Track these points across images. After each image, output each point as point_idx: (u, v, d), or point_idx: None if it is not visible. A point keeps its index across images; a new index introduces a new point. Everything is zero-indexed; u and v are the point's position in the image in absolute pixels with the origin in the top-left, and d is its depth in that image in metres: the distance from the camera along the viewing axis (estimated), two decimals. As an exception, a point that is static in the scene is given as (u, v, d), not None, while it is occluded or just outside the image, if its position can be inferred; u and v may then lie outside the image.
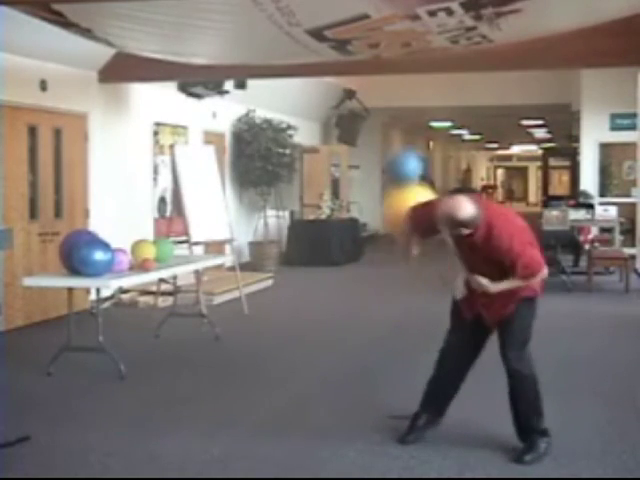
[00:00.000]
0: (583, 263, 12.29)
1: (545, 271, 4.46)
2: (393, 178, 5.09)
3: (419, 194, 4.88)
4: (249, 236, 13.97)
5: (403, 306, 9.96)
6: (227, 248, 11.69)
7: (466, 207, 4.26)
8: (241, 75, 10.79)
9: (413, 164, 5.04)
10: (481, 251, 4.40)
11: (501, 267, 4.38)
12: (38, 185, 8.78)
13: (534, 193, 43.50)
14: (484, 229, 4.33)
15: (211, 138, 12.50)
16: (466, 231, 4.32)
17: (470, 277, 4.51)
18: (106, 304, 9.23)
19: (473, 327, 4.69)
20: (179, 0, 5.92)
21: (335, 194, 16.05)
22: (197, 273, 8.57)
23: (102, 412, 5.49)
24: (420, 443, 4.69)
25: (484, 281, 4.42)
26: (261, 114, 13.91)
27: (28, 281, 6.77)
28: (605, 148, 14.91)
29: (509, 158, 47.47)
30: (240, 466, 4.43)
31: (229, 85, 12.07)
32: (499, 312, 4.59)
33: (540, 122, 24.85)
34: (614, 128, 14.69)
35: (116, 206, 10.07)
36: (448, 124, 24.44)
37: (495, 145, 37.64)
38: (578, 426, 5.08)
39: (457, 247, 4.51)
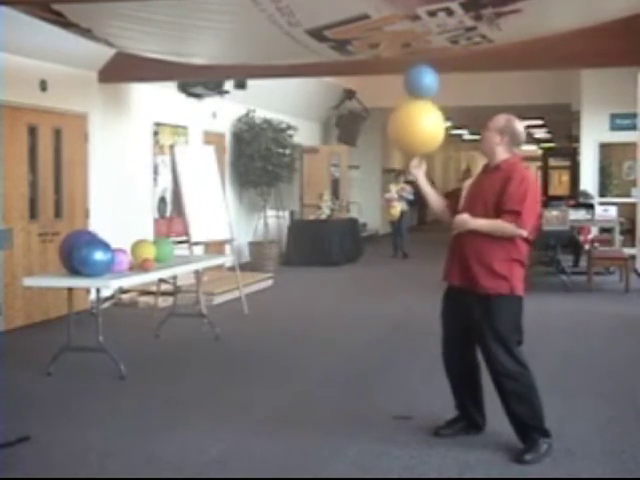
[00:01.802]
0: (583, 263, 12.31)
1: (522, 233, 4.45)
2: (409, 88, 4.92)
3: (428, 110, 4.80)
4: (249, 236, 13.97)
5: (403, 306, 9.96)
6: (227, 248, 11.69)
7: (521, 125, 4.64)
8: (241, 75, 10.80)
9: (431, 78, 4.91)
10: (488, 194, 4.53)
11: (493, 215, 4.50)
12: (38, 185, 8.79)
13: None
14: (513, 174, 4.51)
15: (211, 138, 12.50)
16: (502, 152, 4.56)
17: (455, 218, 4.57)
18: (106, 304, 9.24)
19: (456, 320, 4.71)
20: (179, 0, 5.92)
21: (335, 194, 16.05)
22: (197, 273, 8.57)
23: (102, 412, 5.48)
24: (420, 443, 4.70)
25: (465, 216, 4.51)
26: (261, 114, 13.92)
27: (28, 281, 6.77)
28: (605, 148, 14.92)
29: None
30: (240, 466, 4.43)
31: (229, 85, 12.08)
32: (461, 271, 4.58)
33: (540, 122, 24.84)
34: (614, 128, 14.69)
35: (116, 206, 10.07)
36: (448, 124, 24.43)
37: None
38: (578, 426, 5.09)
39: (468, 190, 4.68)
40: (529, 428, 4.54)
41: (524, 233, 4.45)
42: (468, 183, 4.83)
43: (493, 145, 4.61)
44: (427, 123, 4.79)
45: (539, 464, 4.39)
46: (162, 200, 11.28)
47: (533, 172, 4.76)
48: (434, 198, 4.90)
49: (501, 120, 4.63)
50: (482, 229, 4.48)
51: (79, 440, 4.85)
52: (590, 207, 12.92)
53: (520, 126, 4.64)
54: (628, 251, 11.99)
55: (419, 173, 4.85)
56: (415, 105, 4.84)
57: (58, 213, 9.10)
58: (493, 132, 4.61)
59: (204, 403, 5.67)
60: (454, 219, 4.58)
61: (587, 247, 12.55)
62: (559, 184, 32.51)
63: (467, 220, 4.51)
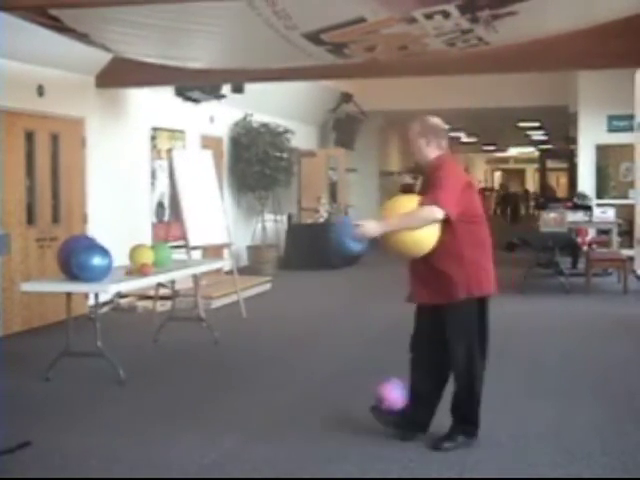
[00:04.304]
0: (581, 265, 12.31)
1: (438, 214, 4.36)
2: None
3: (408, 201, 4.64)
4: (247, 240, 13.96)
5: (401, 308, 9.90)
6: (225, 252, 11.69)
7: (434, 119, 4.73)
8: (238, 79, 10.80)
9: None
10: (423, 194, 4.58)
11: None
12: (36, 190, 8.78)
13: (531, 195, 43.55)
14: (435, 168, 4.59)
15: (208, 142, 12.51)
16: (433, 151, 4.62)
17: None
18: (104, 309, 9.23)
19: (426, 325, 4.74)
20: (176, 5, 5.93)
21: (333, 197, 16.05)
22: (195, 277, 8.57)
23: (101, 417, 5.48)
24: (420, 445, 4.68)
25: (371, 223, 4.48)
26: (258, 118, 13.92)
27: (26, 286, 6.75)
28: (602, 150, 14.93)
29: (506, 160, 47.53)
30: (240, 469, 4.42)
31: (226, 89, 12.08)
32: (419, 289, 4.65)
33: (537, 124, 24.87)
34: (611, 130, 14.72)
35: (114, 211, 10.06)
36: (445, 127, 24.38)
37: (492, 147, 37.67)
38: (577, 426, 5.08)
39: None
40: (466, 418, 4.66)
41: (440, 213, 4.36)
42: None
43: (422, 149, 4.66)
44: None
45: (538, 464, 4.39)
46: (160, 205, 11.28)
47: (459, 167, 4.81)
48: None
49: (415, 125, 4.68)
50: (397, 226, 4.43)
51: (79, 445, 4.84)
52: (588, 209, 12.94)
53: (434, 119, 4.70)
54: (626, 253, 11.99)
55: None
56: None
57: (56, 218, 9.09)
58: (416, 138, 4.66)
59: (203, 407, 5.66)
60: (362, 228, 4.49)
61: (585, 249, 12.56)
62: (557, 186, 32.42)
63: (374, 226, 4.45)
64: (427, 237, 4.45)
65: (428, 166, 4.67)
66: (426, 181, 4.71)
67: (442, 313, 4.59)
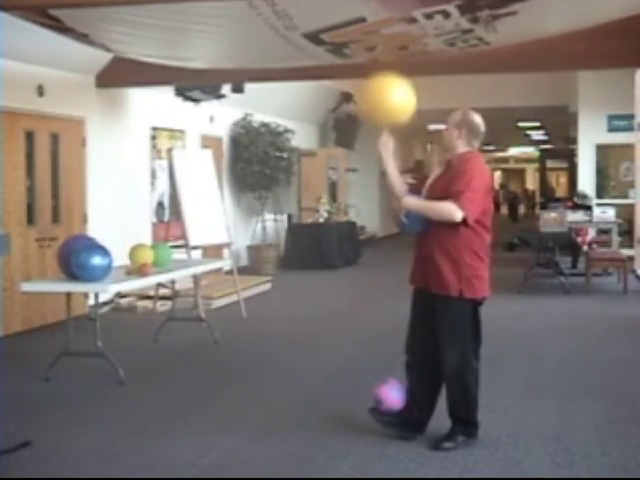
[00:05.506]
0: (581, 265, 12.31)
1: (458, 216, 4.40)
2: None
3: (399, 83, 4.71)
4: (247, 240, 13.97)
5: (401, 308, 9.92)
6: (225, 252, 11.69)
7: (478, 117, 4.68)
8: (238, 79, 10.80)
9: None
10: (438, 187, 4.62)
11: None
12: (35, 190, 8.78)
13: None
14: (461, 165, 4.58)
15: (208, 142, 12.51)
16: (462, 146, 4.63)
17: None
18: (104, 309, 9.23)
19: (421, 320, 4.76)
20: (176, 5, 5.93)
21: (333, 197, 16.05)
22: (195, 277, 8.57)
23: (101, 417, 5.48)
24: (419, 446, 4.69)
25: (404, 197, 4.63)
26: (258, 118, 13.92)
27: (26, 286, 6.75)
28: (602, 149, 14.94)
29: (506, 160, 47.52)
30: (239, 470, 4.42)
31: (226, 89, 12.08)
32: (424, 275, 4.65)
33: (537, 124, 24.87)
34: (611, 129, 14.73)
35: (114, 211, 10.06)
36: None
37: (492, 147, 37.65)
38: (577, 427, 5.08)
39: (428, 184, 4.76)
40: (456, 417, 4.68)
41: (459, 215, 4.40)
42: (431, 178, 4.85)
43: (453, 140, 4.67)
44: (399, 93, 4.76)
45: (538, 465, 4.39)
46: (160, 204, 11.28)
47: (486, 167, 4.76)
48: (399, 185, 4.81)
49: (457, 114, 4.69)
50: (416, 208, 4.57)
51: (79, 445, 4.84)
52: (588, 208, 12.94)
53: (477, 118, 4.67)
54: (626, 252, 12.00)
55: (387, 151, 4.87)
56: (386, 78, 4.79)
57: (56, 218, 9.09)
58: (451, 128, 4.67)
59: (203, 407, 5.66)
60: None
61: (585, 249, 12.56)
62: (557, 186, 32.40)
63: (402, 198, 4.60)
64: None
65: (453, 158, 4.67)
66: (445, 172, 4.68)
67: (434, 313, 4.60)
